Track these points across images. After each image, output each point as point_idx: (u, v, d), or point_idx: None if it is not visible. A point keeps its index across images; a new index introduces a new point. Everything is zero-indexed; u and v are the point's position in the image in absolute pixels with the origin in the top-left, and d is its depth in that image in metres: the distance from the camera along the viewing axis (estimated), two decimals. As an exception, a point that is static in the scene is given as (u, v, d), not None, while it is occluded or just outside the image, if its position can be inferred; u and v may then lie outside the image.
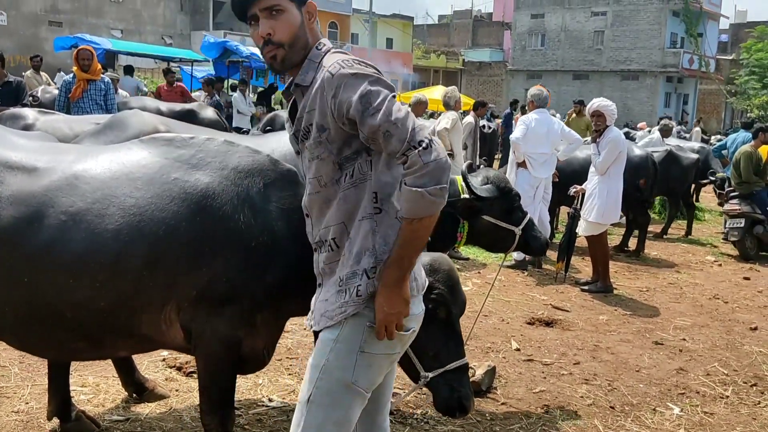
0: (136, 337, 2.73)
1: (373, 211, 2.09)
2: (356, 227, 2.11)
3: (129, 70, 15.83)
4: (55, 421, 3.43)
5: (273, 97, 17.92)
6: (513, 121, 14.66)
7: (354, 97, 1.97)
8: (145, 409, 3.75)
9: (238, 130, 12.17)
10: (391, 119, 1.94)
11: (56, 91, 8.41)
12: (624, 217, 9.05)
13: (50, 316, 2.60)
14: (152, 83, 26.46)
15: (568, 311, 6.23)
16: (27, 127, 5.29)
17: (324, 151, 2.09)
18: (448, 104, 8.71)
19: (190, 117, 7.95)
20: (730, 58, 46.50)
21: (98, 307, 2.57)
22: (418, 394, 3.95)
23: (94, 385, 3.99)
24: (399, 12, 53.79)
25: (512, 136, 7.83)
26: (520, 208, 4.21)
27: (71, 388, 3.79)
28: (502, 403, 4.19)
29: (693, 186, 11.57)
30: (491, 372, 4.41)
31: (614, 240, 9.03)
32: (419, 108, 9.30)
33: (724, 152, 12.47)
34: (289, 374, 4.37)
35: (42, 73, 12.72)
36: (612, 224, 7.68)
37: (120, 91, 11.58)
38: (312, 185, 2.20)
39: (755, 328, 6.02)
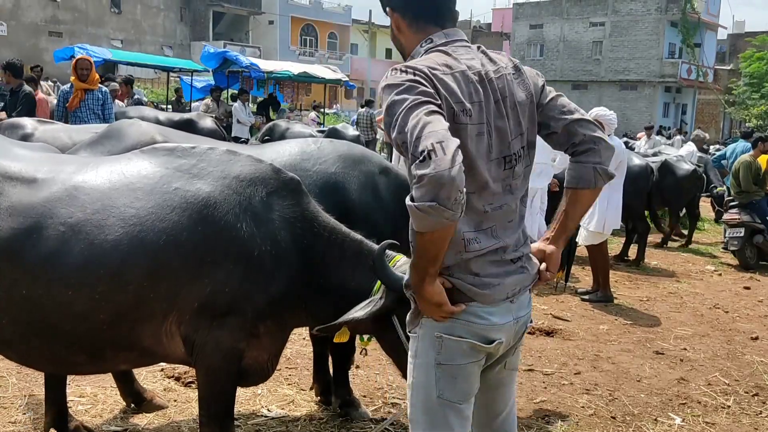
0: (137, 351, 2.70)
1: None
2: None
3: (129, 81, 15.84)
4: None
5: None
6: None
7: (383, 110, 1.90)
8: (143, 419, 3.72)
9: (237, 140, 12.20)
10: (404, 130, 1.78)
11: (51, 99, 8.40)
12: (623, 226, 9.04)
13: (49, 329, 2.57)
14: (152, 93, 26.53)
15: (568, 321, 6.20)
16: (26, 137, 5.28)
17: None
18: None
19: (188, 126, 7.96)
20: (728, 68, 46.65)
21: (98, 320, 2.54)
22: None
23: (92, 395, 3.96)
24: (398, 22, 53.88)
25: None
26: None
27: (69, 398, 3.77)
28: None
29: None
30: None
31: (614, 249, 9.02)
32: None
33: (723, 162, 12.47)
34: (288, 384, 4.34)
35: (42, 83, 12.74)
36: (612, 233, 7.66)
37: (117, 101, 11.59)
38: None
39: (756, 338, 6.00)
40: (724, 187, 10.91)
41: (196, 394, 3.06)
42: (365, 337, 2.96)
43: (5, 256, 2.51)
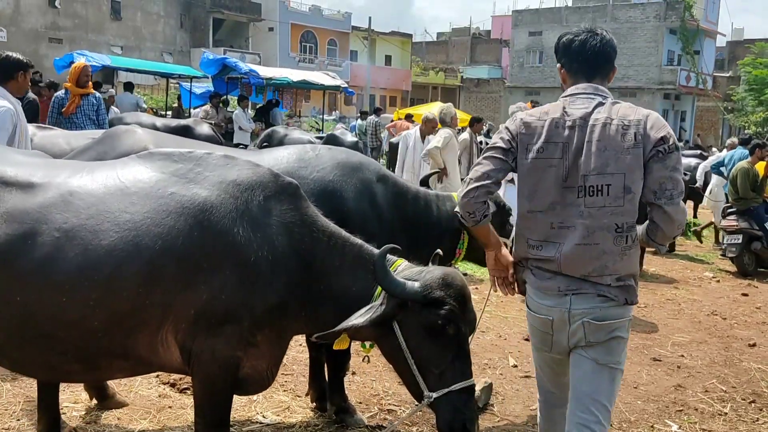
0: (133, 359, 2.67)
1: None
2: None
3: (129, 86, 15.89)
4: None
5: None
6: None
7: None
8: (136, 425, 3.71)
9: (238, 146, 12.22)
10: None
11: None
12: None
13: (43, 336, 2.54)
14: (152, 100, 26.55)
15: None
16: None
17: None
18: (444, 120, 8.71)
19: (185, 133, 7.98)
20: (728, 75, 46.75)
21: (92, 327, 2.51)
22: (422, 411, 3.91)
23: (87, 401, 3.94)
24: (398, 29, 54.23)
25: None
26: (509, 222, 4.25)
27: (64, 404, 3.77)
28: (499, 420, 4.15)
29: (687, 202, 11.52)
30: (488, 389, 4.37)
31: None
32: (429, 125, 9.30)
33: (722, 169, 12.47)
34: (284, 390, 4.33)
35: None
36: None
37: (112, 107, 11.61)
38: None
39: (754, 345, 5.99)
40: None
41: (191, 400, 3.05)
42: (367, 344, 2.92)
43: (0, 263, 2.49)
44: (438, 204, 4.13)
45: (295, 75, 19.30)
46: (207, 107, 15.04)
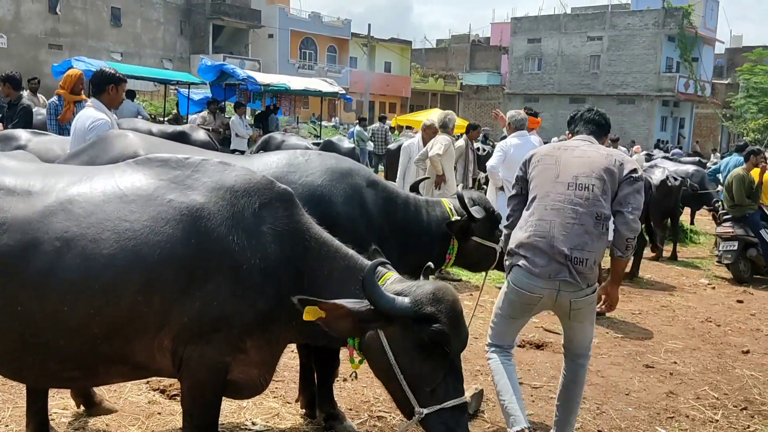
0: (131, 365, 2.68)
1: None
2: None
3: (130, 94, 15.89)
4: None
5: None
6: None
7: None
8: (125, 432, 3.70)
9: (234, 153, 12.24)
10: None
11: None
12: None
13: (44, 345, 2.54)
14: (151, 106, 26.62)
15: (559, 334, 6.13)
16: (20, 148, 5.28)
17: None
18: (447, 126, 8.67)
19: (181, 138, 8.00)
20: (726, 82, 46.87)
21: (92, 335, 2.51)
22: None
23: (75, 407, 3.93)
24: (397, 36, 54.31)
25: (489, 164, 7.78)
26: (498, 227, 4.28)
27: (53, 410, 3.77)
28: (489, 427, 4.14)
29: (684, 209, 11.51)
30: (479, 395, 4.37)
31: (608, 263, 8.99)
32: (429, 132, 9.29)
33: (718, 176, 12.50)
34: (275, 397, 4.32)
35: (39, 96, 12.77)
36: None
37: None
38: None
39: (747, 351, 5.99)
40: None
41: (180, 406, 3.04)
42: (356, 359, 2.83)
43: (1, 272, 2.48)
44: (428, 210, 4.13)
45: (293, 81, 19.35)
46: (204, 113, 15.08)
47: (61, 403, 3.95)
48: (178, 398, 3.91)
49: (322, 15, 47.40)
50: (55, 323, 2.49)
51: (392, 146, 14.14)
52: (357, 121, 19.84)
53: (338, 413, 3.94)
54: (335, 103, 37.84)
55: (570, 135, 3.86)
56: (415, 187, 4.66)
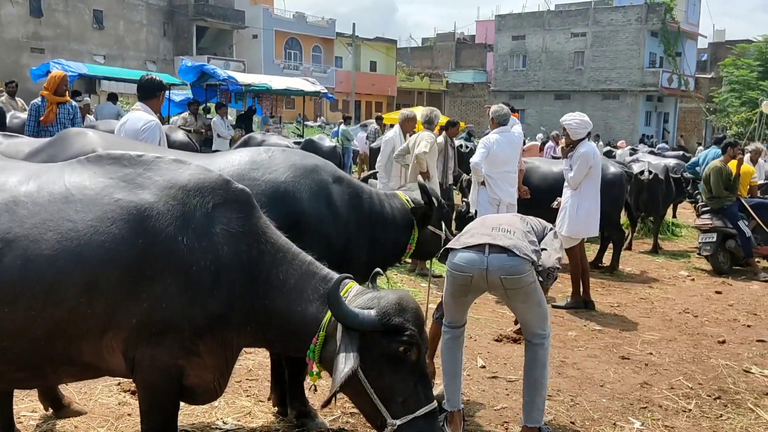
0: (78, 366, 2.64)
1: None
2: None
3: (112, 97, 15.76)
4: (-2, 447, 3.35)
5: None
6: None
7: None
8: (94, 433, 3.67)
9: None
10: None
11: (24, 116, 8.35)
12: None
13: None
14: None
15: (537, 328, 6.18)
16: (-11, 151, 5.23)
17: None
18: (431, 122, 8.61)
19: (159, 139, 7.89)
20: (709, 76, 47.17)
21: (35, 337, 2.47)
22: None
23: (43, 410, 3.89)
24: (382, 35, 54.30)
25: (472, 160, 7.77)
26: (442, 216, 4.48)
27: (21, 413, 3.74)
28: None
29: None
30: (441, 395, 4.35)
31: (590, 256, 9.02)
32: (409, 124, 9.25)
33: (697, 169, 12.57)
34: (247, 396, 4.30)
35: (18, 99, 12.67)
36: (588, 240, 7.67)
37: (87, 116, 11.55)
38: None
39: (723, 342, 6.02)
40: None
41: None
42: (314, 371, 2.81)
43: None
44: (389, 202, 4.17)
45: (274, 81, 19.29)
46: (185, 114, 15.00)
47: (29, 406, 3.91)
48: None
49: (307, 15, 47.30)
50: None
51: (375, 145, 14.11)
52: (341, 120, 19.79)
53: (310, 410, 3.92)
54: (321, 103, 37.78)
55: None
56: (365, 180, 4.73)
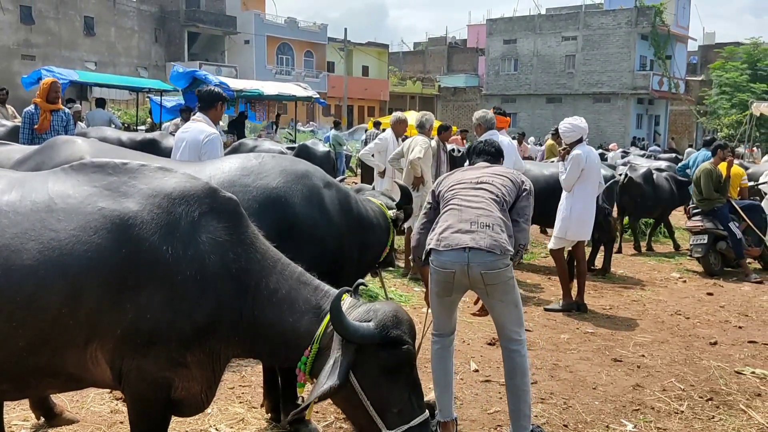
0: (62, 377, 2.60)
1: None
2: None
3: (100, 102, 15.75)
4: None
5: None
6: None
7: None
8: (86, 442, 3.66)
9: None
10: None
11: (10, 124, 8.31)
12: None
13: None
14: (126, 114, 26.38)
15: (530, 331, 6.20)
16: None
17: None
18: (424, 126, 8.62)
19: (151, 146, 7.93)
20: (700, 78, 47.46)
21: (17, 348, 2.43)
22: None
23: (35, 419, 3.88)
24: (374, 40, 54.40)
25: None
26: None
27: (13, 422, 3.72)
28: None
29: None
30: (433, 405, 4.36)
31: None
32: (400, 126, 9.25)
33: (687, 171, 12.62)
34: (240, 402, 4.30)
35: (8, 106, 12.62)
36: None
37: (79, 122, 11.51)
38: None
39: (715, 343, 6.05)
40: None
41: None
42: (303, 383, 2.79)
43: None
44: (370, 206, 4.26)
45: (266, 87, 19.27)
46: (177, 121, 14.97)
47: (21, 415, 3.90)
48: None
49: (298, 20, 47.33)
50: None
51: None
52: (332, 125, 19.79)
53: (303, 416, 3.91)
54: (313, 108, 37.78)
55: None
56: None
